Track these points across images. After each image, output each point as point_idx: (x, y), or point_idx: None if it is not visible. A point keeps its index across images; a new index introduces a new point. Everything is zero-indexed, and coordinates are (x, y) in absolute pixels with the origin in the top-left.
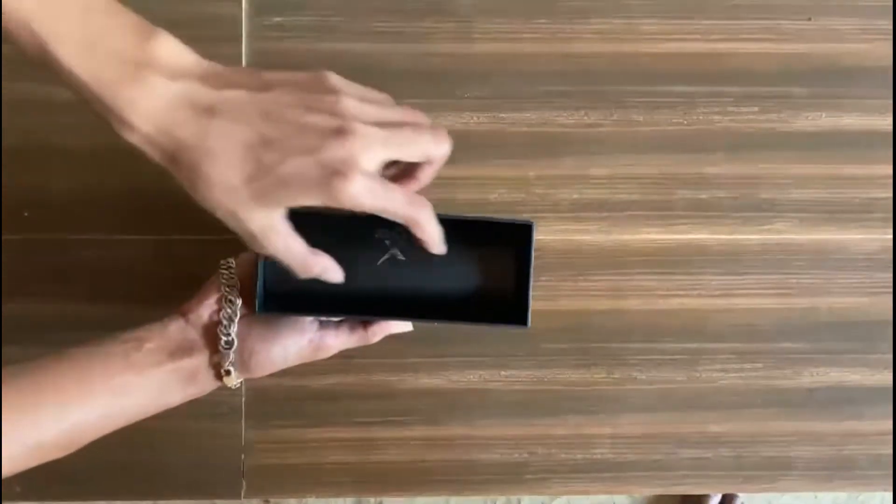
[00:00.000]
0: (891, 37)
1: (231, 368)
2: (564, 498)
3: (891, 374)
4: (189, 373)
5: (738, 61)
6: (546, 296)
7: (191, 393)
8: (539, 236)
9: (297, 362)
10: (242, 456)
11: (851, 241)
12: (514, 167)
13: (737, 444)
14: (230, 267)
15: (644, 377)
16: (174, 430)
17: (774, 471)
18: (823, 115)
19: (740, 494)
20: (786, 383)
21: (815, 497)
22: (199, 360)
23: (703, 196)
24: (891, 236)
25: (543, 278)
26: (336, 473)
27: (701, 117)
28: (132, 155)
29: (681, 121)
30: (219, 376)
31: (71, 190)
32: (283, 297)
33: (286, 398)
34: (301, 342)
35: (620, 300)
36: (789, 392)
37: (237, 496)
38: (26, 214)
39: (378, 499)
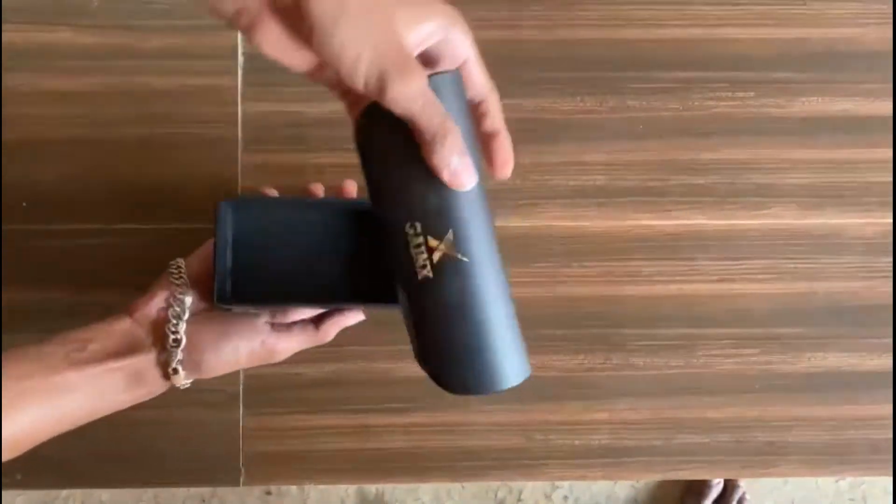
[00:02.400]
0: (886, 20)
1: (178, 367)
2: (566, 484)
3: (889, 359)
4: (135, 372)
5: (734, 46)
6: (543, 282)
7: (139, 395)
8: (535, 223)
9: (249, 364)
10: (241, 443)
11: (848, 225)
12: None
13: (735, 430)
14: (179, 266)
15: (642, 363)
16: (172, 418)
17: (773, 456)
18: (819, 99)
19: (741, 483)
20: (784, 368)
21: (817, 485)
22: (146, 360)
23: (700, 181)
24: (888, 220)
25: (540, 265)
26: (335, 460)
27: (697, 103)
28: (131, 145)
29: (677, 106)
30: (166, 376)
31: (70, 180)
32: (240, 292)
33: (284, 386)
34: (253, 344)
35: (617, 286)
36: (787, 377)
37: (236, 483)
38: (24, 205)
39: (378, 486)
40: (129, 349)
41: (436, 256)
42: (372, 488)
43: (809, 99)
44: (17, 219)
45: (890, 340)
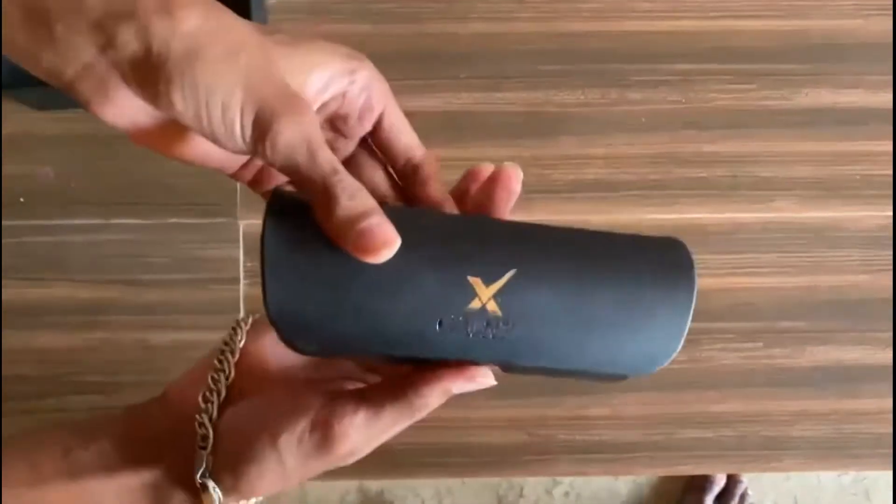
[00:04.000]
0: (888, 10)
1: (208, 482)
2: (567, 480)
3: (891, 352)
4: (152, 488)
5: (736, 38)
6: None
7: None
8: (535, 217)
9: (300, 470)
10: None
11: (851, 218)
12: (510, 147)
13: (738, 424)
14: (238, 326)
15: None
16: None
17: (776, 450)
18: (822, 91)
19: (744, 479)
20: (786, 362)
21: (819, 480)
22: (166, 472)
23: (702, 175)
24: (891, 213)
25: None
26: None
27: (699, 95)
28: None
29: (679, 99)
30: (195, 492)
31: (66, 175)
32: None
33: None
34: (296, 429)
35: None
36: (790, 371)
37: None
38: (22, 200)
39: (378, 482)
40: (145, 455)
41: (492, 308)
42: (373, 485)
43: (812, 91)
44: (15, 214)
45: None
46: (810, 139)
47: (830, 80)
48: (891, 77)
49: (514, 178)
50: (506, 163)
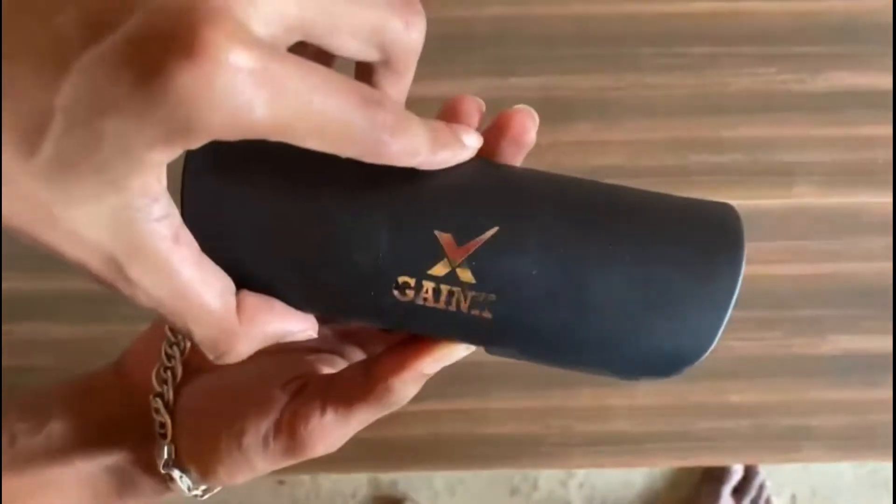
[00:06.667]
0: None
1: (173, 472)
2: (582, 472)
3: None
4: (118, 473)
5: (755, 20)
6: None
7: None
8: None
9: (270, 467)
10: None
11: (873, 204)
12: None
13: (757, 414)
14: None
15: None
16: None
17: (795, 441)
18: (843, 73)
19: (762, 470)
20: (806, 351)
21: (837, 471)
22: (125, 455)
23: (721, 160)
24: None
25: None
26: (349, 449)
27: (717, 79)
28: None
29: (696, 83)
30: (159, 478)
31: None
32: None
33: None
34: (260, 429)
35: None
36: (810, 360)
37: None
38: None
39: (392, 475)
40: (103, 438)
41: (464, 276)
42: (385, 477)
43: (833, 73)
44: None
45: None
46: (831, 123)
47: (851, 62)
48: None
49: (526, 126)
50: (517, 105)
